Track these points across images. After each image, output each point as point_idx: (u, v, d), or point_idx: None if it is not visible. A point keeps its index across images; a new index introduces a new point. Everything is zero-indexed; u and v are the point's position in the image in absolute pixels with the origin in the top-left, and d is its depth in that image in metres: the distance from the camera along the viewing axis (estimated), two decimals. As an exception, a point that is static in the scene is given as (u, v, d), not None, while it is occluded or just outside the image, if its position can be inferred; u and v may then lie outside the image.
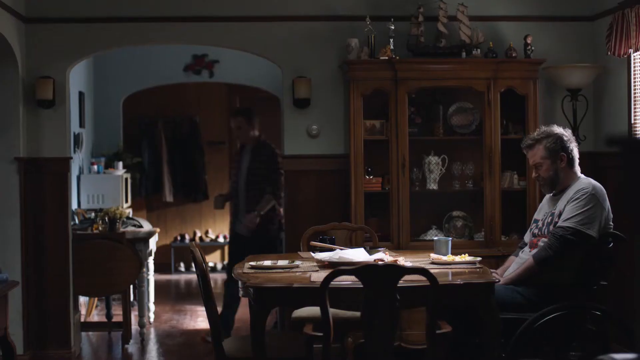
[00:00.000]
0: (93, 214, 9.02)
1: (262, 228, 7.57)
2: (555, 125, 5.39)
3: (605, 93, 7.31)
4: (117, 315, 8.39)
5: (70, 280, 7.35)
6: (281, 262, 5.26)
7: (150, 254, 8.87)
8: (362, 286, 4.36)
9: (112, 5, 7.37)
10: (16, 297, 6.95)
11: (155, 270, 9.36)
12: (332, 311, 4.44)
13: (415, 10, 7.23)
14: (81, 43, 7.39)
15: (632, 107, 6.89)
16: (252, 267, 5.15)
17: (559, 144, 5.26)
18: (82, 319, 8.44)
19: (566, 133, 5.32)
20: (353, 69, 7.09)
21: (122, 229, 8.24)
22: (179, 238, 12.61)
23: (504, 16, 7.49)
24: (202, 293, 5.04)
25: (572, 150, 5.29)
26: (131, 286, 8.20)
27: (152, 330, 8.46)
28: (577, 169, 5.31)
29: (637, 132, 6.80)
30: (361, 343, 5.69)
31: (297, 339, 5.39)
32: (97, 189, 9.73)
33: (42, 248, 7.28)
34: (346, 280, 4.52)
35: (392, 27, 7.16)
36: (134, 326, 8.14)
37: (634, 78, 6.87)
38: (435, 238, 5.61)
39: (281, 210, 7.75)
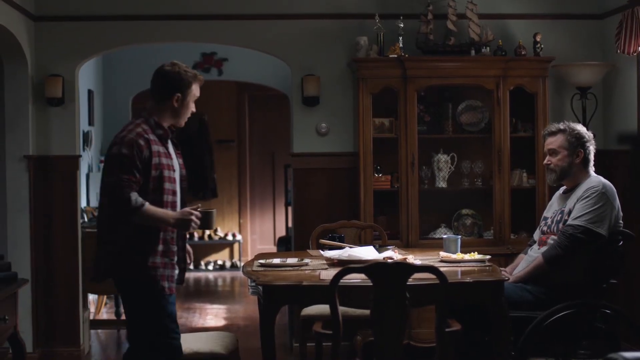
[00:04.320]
0: (102, 212, 9.00)
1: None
2: (581, 124, 5.42)
3: (615, 91, 7.29)
4: (126, 313, 8.39)
5: (79, 278, 7.36)
6: (290, 260, 5.26)
7: (159, 252, 8.87)
8: (371, 284, 4.36)
9: (121, 4, 7.37)
10: (25, 295, 6.97)
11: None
12: (341, 309, 4.44)
13: (424, 8, 7.22)
14: (90, 41, 7.41)
15: (642, 105, 6.87)
16: (262, 265, 5.15)
17: (580, 140, 5.28)
18: (92, 317, 8.45)
19: (588, 134, 5.35)
20: (362, 67, 7.09)
21: (131, 227, 8.24)
22: (187, 236, 12.61)
23: (513, 14, 7.47)
24: None
25: (589, 151, 5.30)
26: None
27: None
28: (591, 169, 5.31)
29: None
30: (370, 341, 5.70)
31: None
32: (106, 187, 9.71)
33: (51, 246, 7.29)
34: (355, 279, 4.51)
35: (401, 25, 7.16)
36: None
37: (644, 76, 6.86)
38: (445, 236, 5.60)
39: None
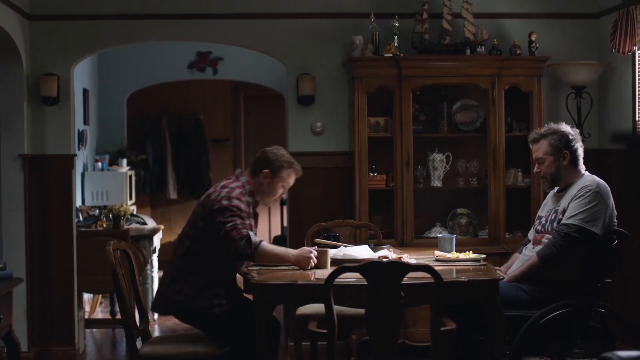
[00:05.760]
0: (97, 211, 9.03)
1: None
2: (564, 123, 5.39)
3: (610, 90, 7.30)
4: (121, 312, 8.39)
5: (74, 277, 7.35)
6: (285, 259, 5.25)
7: (154, 251, 8.89)
8: (366, 283, 4.36)
9: (116, 3, 7.37)
10: (20, 294, 6.96)
11: (159, 267, 9.36)
12: (336, 308, 4.44)
13: (419, 8, 7.22)
14: (86, 40, 7.40)
15: (637, 104, 6.88)
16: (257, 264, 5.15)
17: (564, 141, 5.26)
18: (87, 316, 8.45)
19: (572, 132, 5.33)
20: (357, 66, 7.09)
21: (126, 226, 8.26)
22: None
23: (508, 13, 7.48)
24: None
25: (576, 149, 5.29)
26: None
27: (155, 327, 8.46)
28: (582, 167, 5.31)
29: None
30: (365, 340, 5.70)
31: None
32: (101, 186, 9.73)
33: (46, 245, 7.28)
34: (350, 278, 4.51)
35: (397, 24, 7.16)
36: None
37: (639, 75, 6.86)
38: (440, 235, 5.60)
39: None
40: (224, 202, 4.90)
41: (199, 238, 4.99)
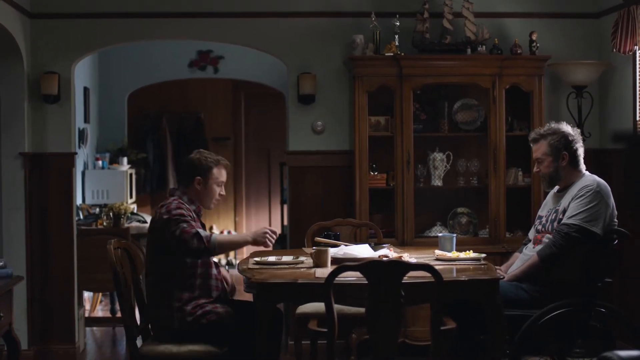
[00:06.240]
0: (97, 210, 9.03)
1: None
2: (565, 123, 5.38)
3: (611, 90, 7.30)
4: (122, 310, 8.39)
5: (74, 275, 7.35)
6: (286, 258, 5.26)
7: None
8: (366, 282, 4.36)
9: (117, 1, 7.36)
10: (21, 292, 6.96)
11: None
12: (336, 307, 4.44)
13: (420, 7, 7.22)
14: (86, 38, 7.40)
15: (637, 104, 6.88)
16: (257, 263, 5.15)
17: (563, 142, 5.25)
18: (87, 314, 8.45)
19: (573, 132, 5.32)
20: (358, 65, 7.09)
21: (126, 225, 8.26)
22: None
23: (509, 13, 7.48)
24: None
25: (576, 150, 5.28)
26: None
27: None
28: (582, 167, 5.30)
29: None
30: (365, 339, 5.70)
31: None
32: (102, 185, 9.74)
33: (46, 243, 7.28)
34: (351, 277, 4.52)
35: (398, 24, 7.16)
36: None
37: (639, 75, 6.87)
38: (440, 234, 5.60)
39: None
40: (165, 217, 4.97)
41: (160, 262, 5.05)
